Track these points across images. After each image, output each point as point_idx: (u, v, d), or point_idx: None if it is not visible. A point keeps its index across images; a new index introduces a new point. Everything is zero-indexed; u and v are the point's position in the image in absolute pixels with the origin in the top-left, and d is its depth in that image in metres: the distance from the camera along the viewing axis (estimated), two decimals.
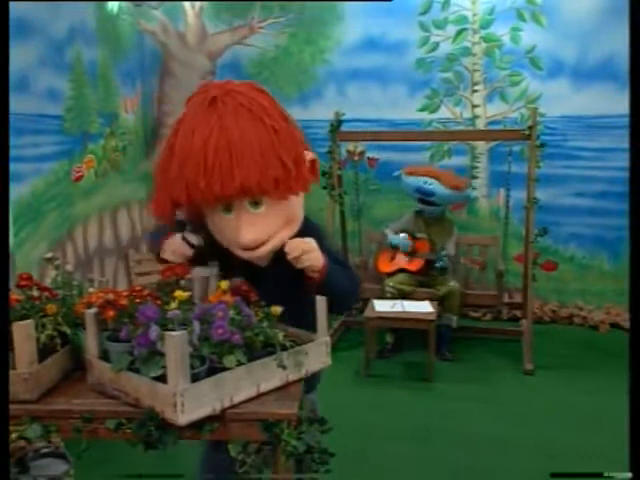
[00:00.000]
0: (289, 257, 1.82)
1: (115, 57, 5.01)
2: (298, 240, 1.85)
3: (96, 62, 4.69)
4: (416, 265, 4.77)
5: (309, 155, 1.93)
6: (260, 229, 1.85)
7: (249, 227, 1.84)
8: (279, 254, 1.89)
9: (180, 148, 1.82)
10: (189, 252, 1.94)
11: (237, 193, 1.77)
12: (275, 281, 1.88)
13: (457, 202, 5.06)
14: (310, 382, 1.91)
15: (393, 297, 4.58)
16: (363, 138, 5.22)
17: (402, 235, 4.81)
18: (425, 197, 4.71)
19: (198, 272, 1.94)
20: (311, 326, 1.81)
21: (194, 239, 1.95)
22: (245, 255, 1.90)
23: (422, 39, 5.32)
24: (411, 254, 4.79)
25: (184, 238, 1.94)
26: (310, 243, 1.83)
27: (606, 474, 2.05)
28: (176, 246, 1.94)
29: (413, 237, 4.84)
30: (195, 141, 1.78)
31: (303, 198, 1.95)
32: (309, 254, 1.82)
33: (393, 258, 4.88)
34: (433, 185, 4.64)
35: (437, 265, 4.66)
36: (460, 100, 5.37)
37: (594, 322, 5.27)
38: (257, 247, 1.88)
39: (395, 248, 4.84)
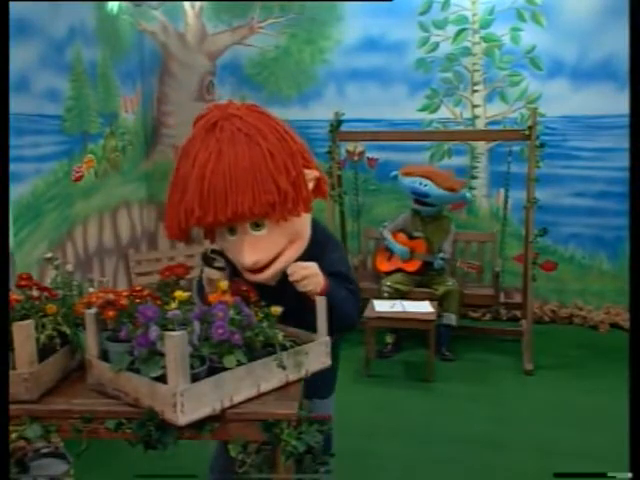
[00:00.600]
0: (291, 280, 1.86)
1: (115, 57, 5.01)
2: (299, 265, 1.87)
3: (96, 62, 4.69)
4: (413, 266, 4.77)
5: (314, 173, 1.93)
6: (263, 251, 1.86)
7: (251, 249, 1.86)
8: (286, 274, 1.91)
9: (182, 173, 1.85)
10: (219, 275, 1.92)
11: (230, 220, 1.79)
12: (283, 299, 1.85)
13: (452, 203, 5.05)
14: (327, 385, 1.92)
15: (390, 297, 4.58)
16: (363, 138, 5.22)
17: (402, 247, 4.81)
18: (420, 198, 4.71)
19: (209, 273, 1.93)
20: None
21: (221, 262, 1.94)
22: (251, 278, 1.91)
23: (422, 39, 5.32)
24: (409, 255, 4.79)
25: (212, 266, 1.93)
26: (310, 268, 1.86)
27: (610, 474, 2.05)
28: (210, 276, 1.92)
29: (410, 237, 4.84)
30: (194, 166, 1.81)
31: (310, 215, 1.96)
32: (309, 279, 1.85)
33: (390, 257, 4.89)
34: (428, 186, 4.64)
35: (435, 266, 4.67)
36: (460, 100, 5.37)
37: (594, 322, 5.27)
38: (261, 270, 1.89)
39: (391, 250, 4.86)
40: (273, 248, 1.88)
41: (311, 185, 1.92)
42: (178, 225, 1.88)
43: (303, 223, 1.93)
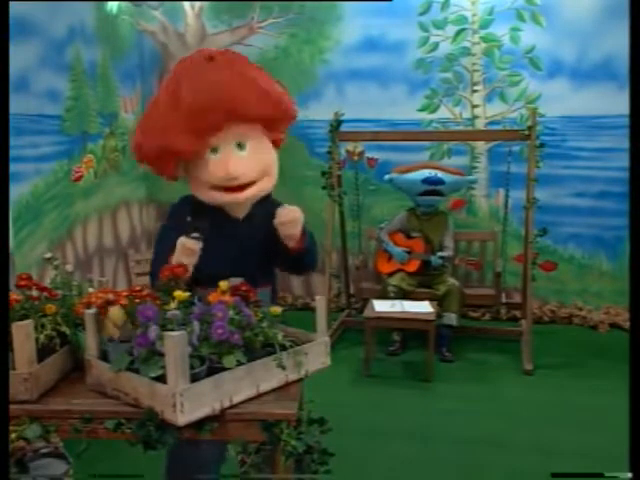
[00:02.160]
0: (278, 221, 1.97)
1: (115, 57, 5.01)
2: (291, 207, 2.00)
3: (96, 62, 4.69)
4: (413, 266, 4.77)
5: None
6: (245, 167, 1.99)
7: (235, 163, 1.98)
8: (253, 212, 2.08)
9: (167, 99, 2.01)
10: (199, 245, 1.94)
11: (233, 116, 1.93)
12: (247, 237, 2.03)
13: (462, 187, 5.04)
14: None
15: (396, 296, 4.57)
16: (362, 138, 5.22)
17: (399, 249, 4.80)
18: (434, 186, 4.68)
19: (187, 242, 1.97)
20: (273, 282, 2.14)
21: (197, 234, 1.96)
22: (231, 198, 2.01)
23: (421, 39, 5.31)
24: (407, 254, 4.79)
25: (190, 236, 1.94)
26: (297, 213, 1.99)
27: (607, 474, 2.05)
28: (186, 245, 1.94)
29: (408, 236, 4.84)
30: (191, 83, 1.95)
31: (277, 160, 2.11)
32: (297, 223, 1.98)
33: (390, 258, 4.88)
34: (440, 174, 4.65)
35: (432, 264, 4.66)
36: (460, 100, 5.37)
37: (593, 322, 5.27)
38: (240, 189, 2.00)
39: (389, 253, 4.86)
40: (254, 169, 2.01)
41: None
42: (153, 138, 1.98)
43: (275, 159, 2.10)
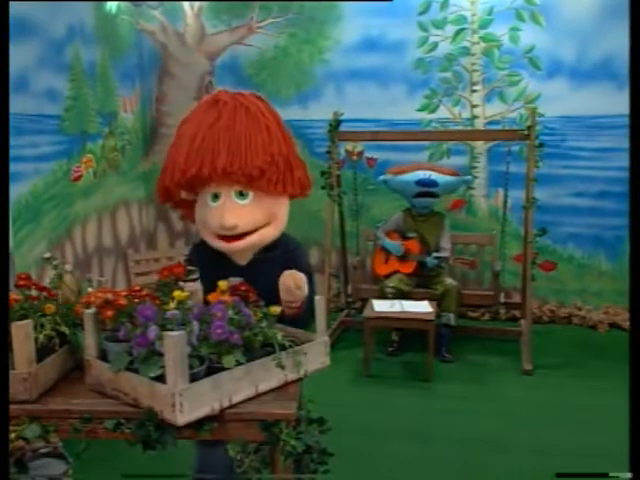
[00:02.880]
0: (284, 284, 1.87)
1: (114, 57, 5.01)
2: (293, 274, 1.89)
3: (95, 62, 4.69)
4: (409, 267, 4.76)
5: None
6: (243, 218, 1.94)
7: (232, 213, 1.93)
8: (257, 258, 2.01)
9: (177, 138, 1.97)
10: (198, 285, 1.93)
11: (219, 177, 1.88)
12: (251, 284, 1.90)
13: (458, 188, 5.04)
14: None
15: (394, 297, 4.57)
16: (362, 138, 5.22)
17: (394, 242, 4.80)
18: (427, 188, 4.68)
19: (187, 287, 1.95)
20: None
21: (194, 274, 1.95)
22: (226, 247, 1.98)
23: (421, 39, 5.32)
24: (403, 256, 4.78)
25: (187, 279, 1.93)
26: (303, 280, 1.89)
27: (612, 474, 2.05)
28: (189, 289, 1.92)
29: (404, 237, 4.83)
30: (192, 129, 1.92)
31: (288, 207, 2.05)
32: (292, 292, 1.87)
33: (387, 260, 4.88)
34: (433, 175, 4.64)
35: (428, 265, 4.66)
36: (459, 100, 5.37)
37: (593, 322, 5.27)
38: (236, 238, 1.95)
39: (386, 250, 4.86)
40: (253, 219, 1.95)
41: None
42: (164, 182, 2.00)
43: (283, 208, 2.03)
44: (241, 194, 1.93)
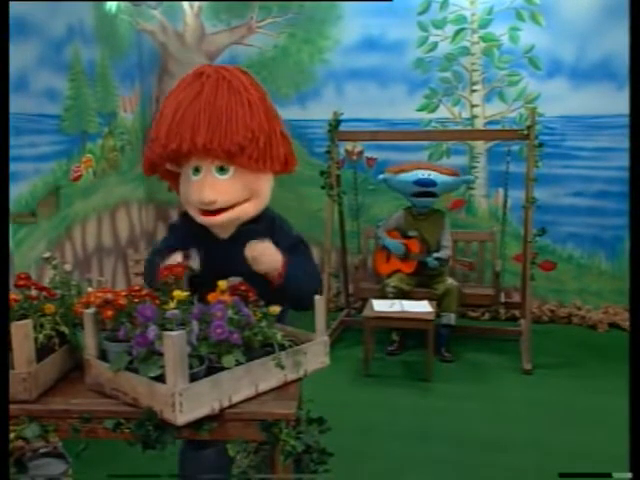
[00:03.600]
0: (247, 254, 1.89)
1: (114, 57, 5.01)
2: (256, 244, 1.90)
3: (95, 62, 4.69)
4: (410, 267, 4.76)
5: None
6: (222, 193, 1.93)
7: (211, 188, 1.93)
8: (240, 230, 2.01)
9: (161, 110, 1.99)
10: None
11: (196, 151, 1.88)
12: (230, 259, 1.94)
13: (457, 188, 5.04)
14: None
15: (395, 296, 4.57)
16: (361, 138, 5.22)
17: (395, 241, 4.80)
18: (426, 188, 4.68)
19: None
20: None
21: (195, 263, 1.95)
22: (206, 221, 1.98)
23: (421, 39, 5.32)
24: (404, 255, 4.78)
25: (184, 255, 1.94)
26: (270, 249, 1.90)
27: (612, 474, 2.05)
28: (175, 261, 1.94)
29: (404, 236, 4.83)
30: (173, 103, 1.93)
31: (272, 183, 2.05)
32: (268, 258, 1.89)
33: (388, 259, 4.88)
34: (432, 175, 4.64)
35: (429, 265, 4.66)
36: (459, 100, 5.37)
37: (592, 322, 5.27)
38: (218, 213, 1.95)
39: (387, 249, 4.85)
40: (232, 194, 1.94)
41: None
42: (148, 154, 2.02)
43: (265, 184, 2.02)
44: (222, 169, 1.93)
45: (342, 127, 4.85)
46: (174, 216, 5.69)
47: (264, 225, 2.04)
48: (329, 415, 1.63)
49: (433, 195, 4.73)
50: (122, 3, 5.16)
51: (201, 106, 1.88)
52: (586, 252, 5.39)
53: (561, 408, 3.81)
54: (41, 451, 2.58)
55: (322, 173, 4.74)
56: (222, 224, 1.99)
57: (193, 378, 1.48)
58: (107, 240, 4.96)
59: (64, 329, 1.71)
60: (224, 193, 1.93)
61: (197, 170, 1.95)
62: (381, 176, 4.90)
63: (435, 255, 4.67)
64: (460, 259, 5.04)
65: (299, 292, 1.95)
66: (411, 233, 4.80)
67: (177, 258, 1.90)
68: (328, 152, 4.82)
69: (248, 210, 1.99)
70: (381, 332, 4.70)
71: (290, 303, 2.01)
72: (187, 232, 2.05)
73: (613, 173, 5.06)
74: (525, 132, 4.48)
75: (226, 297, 1.69)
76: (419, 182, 4.65)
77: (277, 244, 1.95)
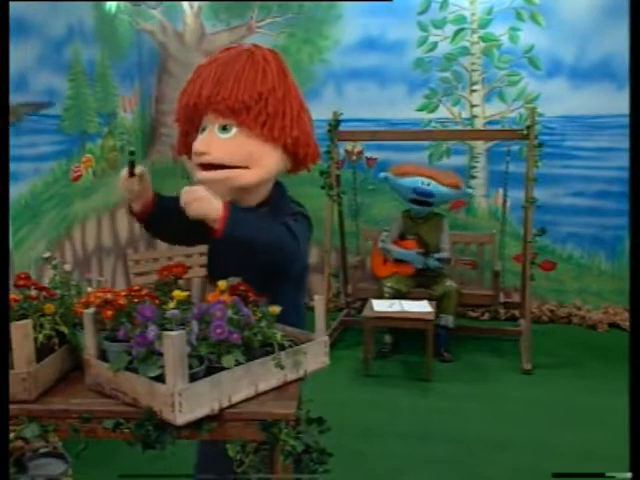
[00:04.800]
0: (182, 204, 1.79)
1: (113, 57, 5.01)
2: (190, 187, 1.80)
3: (94, 62, 4.68)
4: (409, 268, 4.75)
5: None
6: (215, 148, 1.89)
7: (206, 142, 1.90)
8: (236, 203, 1.89)
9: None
10: (127, 179, 1.90)
11: (204, 106, 1.88)
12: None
13: (455, 200, 5.04)
14: None
15: (392, 297, 4.57)
16: (361, 138, 5.22)
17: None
18: (423, 198, 4.67)
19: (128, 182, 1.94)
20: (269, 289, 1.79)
21: (138, 171, 1.90)
22: (198, 176, 1.94)
23: (420, 39, 5.32)
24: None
25: (129, 165, 1.90)
26: (199, 192, 1.78)
27: (609, 474, 2.05)
28: (122, 179, 1.91)
29: (403, 238, 4.82)
30: (196, 69, 1.97)
31: (278, 154, 1.94)
32: (198, 202, 1.76)
33: (386, 261, 4.87)
34: (431, 185, 4.61)
35: (429, 266, 4.66)
36: (459, 100, 5.38)
37: (592, 322, 5.28)
38: (208, 168, 1.90)
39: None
40: (227, 152, 1.89)
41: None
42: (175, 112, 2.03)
43: (269, 155, 1.93)
44: (224, 128, 1.89)
45: (342, 127, 4.86)
46: None
47: (275, 209, 1.95)
48: (329, 415, 1.63)
49: (428, 204, 4.72)
50: (122, 3, 5.15)
51: (215, 67, 1.90)
52: (586, 252, 5.39)
53: (561, 408, 3.82)
54: (41, 451, 2.58)
55: (322, 173, 4.74)
56: (213, 180, 1.89)
57: (193, 378, 1.48)
58: (107, 240, 4.96)
59: (64, 329, 1.71)
60: (218, 149, 1.88)
61: (204, 130, 1.93)
62: (383, 174, 4.88)
63: (436, 256, 4.67)
64: (462, 258, 5.04)
65: (250, 243, 1.79)
66: (410, 236, 4.80)
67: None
68: (328, 152, 4.82)
69: (246, 176, 1.90)
70: (381, 332, 4.70)
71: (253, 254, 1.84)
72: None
73: (613, 173, 5.07)
74: (525, 132, 4.48)
75: (226, 297, 1.69)
76: (417, 191, 4.64)
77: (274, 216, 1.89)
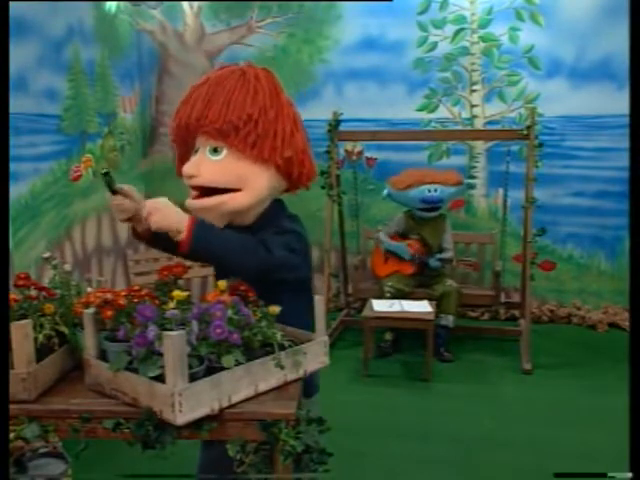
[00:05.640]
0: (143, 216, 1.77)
1: (113, 57, 5.01)
2: (150, 200, 1.78)
3: (94, 61, 4.69)
4: (409, 268, 4.75)
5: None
6: (204, 170, 1.88)
7: (195, 164, 1.89)
8: (232, 225, 1.91)
9: None
10: (112, 199, 1.84)
11: (194, 128, 1.88)
12: None
13: (463, 194, 5.05)
14: (310, 387, 1.89)
15: (392, 297, 4.57)
16: (361, 138, 5.22)
17: (399, 244, 4.77)
18: (433, 204, 4.67)
19: (114, 200, 1.86)
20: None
21: (119, 187, 1.82)
22: (189, 204, 1.92)
23: (420, 39, 5.32)
24: (410, 258, 4.76)
25: (107, 185, 1.82)
26: (157, 203, 1.76)
27: (609, 474, 2.05)
28: (110, 202, 1.86)
29: (404, 238, 4.82)
30: (189, 89, 1.96)
31: (270, 176, 1.90)
32: (160, 214, 1.74)
33: (387, 261, 4.87)
34: (439, 190, 4.61)
35: (430, 265, 4.66)
36: (458, 100, 5.38)
37: (592, 322, 5.27)
38: (199, 196, 1.90)
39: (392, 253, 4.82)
40: (216, 175, 1.87)
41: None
42: (170, 133, 2.04)
43: (261, 177, 1.89)
44: (215, 150, 1.88)
45: (342, 127, 4.86)
46: None
47: (270, 226, 1.91)
48: (329, 415, 1.63)
49: (438, 209, 4.74)
50: (122, 3, 5.16)
51: (207, 87, 1.89)
52: (586, 252, 5.39)
53: (561, 408, 3.82)
54: (41, 451, 2.58)
55: (322, 173, 4.74)
56: (204, 208, 1.88)
57: (193, 378, 1.48)
58: (107, 240, 4.96)
59: (64, 329, 1.71)
60: (208, 172, 1.87)
61: (196, 152, 1.92)
62: (385, 192, 4.85)
63: (438, 256, 4.67)
64: (464, 259, 5.04)
65: (208, 257, 1.80)
66: (412, 236, 4.80)
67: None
68: (328, 152, 4.83)
69: (237, 200, 1.88)
70: (381, 332, 4.70)
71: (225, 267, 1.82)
72: None
73: (613, 173, 5.07)
74: (525, 132, 4.49)
75: (225, 297, 1.69)
76: (426, 200, 4.63)
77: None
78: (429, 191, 4.61)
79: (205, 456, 2.14)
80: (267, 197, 1.95)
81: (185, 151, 1.99)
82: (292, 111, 1.96)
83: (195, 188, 1.92)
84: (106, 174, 1.80)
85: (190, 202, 1.92)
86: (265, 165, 1.89)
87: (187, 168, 1.90)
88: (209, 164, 1.88)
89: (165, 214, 1.74)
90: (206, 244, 1.74)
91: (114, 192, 1.82)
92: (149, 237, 1.94)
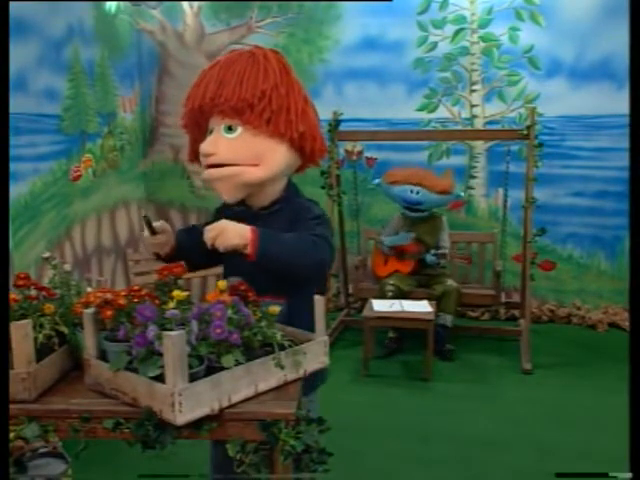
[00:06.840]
0: (207, 242, 1.87)
1: (113, 57, 5.01)
2: (209, 227, 1.88)
3: (94, 61, 4.69)
4: (408, 266, 4.76)
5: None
6: (222, 148, 1.92)
7: (213, 142, 1.93)
8: (260, 214, 1.99)
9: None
10: (152, 239, 1.99)
11: (209, 108, 1.92)
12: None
13: (446, 204, 5.04)
14: (310, 383, 1.91)
15: (394, 296, 4.57)
16: (361, 138, 5.22)
17: (398, 235, 4.78)
18: (413, 206, 4.70)
19: (149, 239, 2.03)
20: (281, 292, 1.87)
21: (157, 226, 1.98)
22: (205, 175, 1.98)
23: (420, 39, 5.32)
24: (401, 256, 4.77)
25: (148, 227, 1.98)
26: (219, 225, 1.85)
27: (612, 474, 2.05)
28: (144, 238, 2.02)
29: None
30: (200, 73, 2.02)
31: (285, 151, 1.96)
32: (223, 236, 1.83)
33: (387, 261, 4.87)
34: (420, 193, 4.62)
35: (427, 261, 4.66)
36: (458, 100, 5.38)
37: (592, 321, 5.28)
38: (215, 165, 1.94)
39: (392, 248, 4.81)
40: (233, 152, 1.92)
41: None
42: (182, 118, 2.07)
43: (276, 153, 1.95)
44: (230, 128, 1.93)
45: (342, 127, 4.85)
46: (174, 216, 5.69)
47: (291, 208, 2.00)
48: (329, 415, 1.63)
49: (421, 211, 4.73)
50: (122, 3, 5.16)
51: (218, 69, 1.94)
52: (586, 252, 5.39)
53: (561, 408, 3.82)
54: (40, 451, 2.58)
55: (322, 173, 4.74)
56: (220, 178, 1.95)
57: (193, 378, 1.48)
58: (107, 240, 4.96)
59: (64, 329, 1.71)
60: (224, 148, 1.92)
61: (211, 132, 1.96)
62: (377, 180, 4.92)
63: (433, 251, 4.67)
64: (458, 254, 5.04)
65: (285, 265, 1.85)
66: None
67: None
68: (328, 152, 4.82)
69: (253, 172, 1.93)
70: (381, 332, 4.70)
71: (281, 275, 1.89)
72: (221, 216, 2.01)
73: (613, 173, 5.07)
74: (525, 132, 4.48)
75: (225, 297, 1.69)
76: (405, 200, 4.68)
77: (297, 227, 1.93)
78: (411, 192, 4.64)
79: (219, 454, 2.14)
80: (282, 173, 2.01)
81: (198, 134, 2.04)
82: (301, 88, 2.02)
83: (212, 166, 1.96)
84: (145, 217, 1.96)
85: (207, 171, 1.97)
86: (280, 140, 1.94)
87: (205, 146, 1.94)
88: (225, 142, 1.92)
89: (227, 237, 1.83)
90: (271, 249, 1.84)
91: (154, 232, 1.97)
92: (171, 257, 2.05)
